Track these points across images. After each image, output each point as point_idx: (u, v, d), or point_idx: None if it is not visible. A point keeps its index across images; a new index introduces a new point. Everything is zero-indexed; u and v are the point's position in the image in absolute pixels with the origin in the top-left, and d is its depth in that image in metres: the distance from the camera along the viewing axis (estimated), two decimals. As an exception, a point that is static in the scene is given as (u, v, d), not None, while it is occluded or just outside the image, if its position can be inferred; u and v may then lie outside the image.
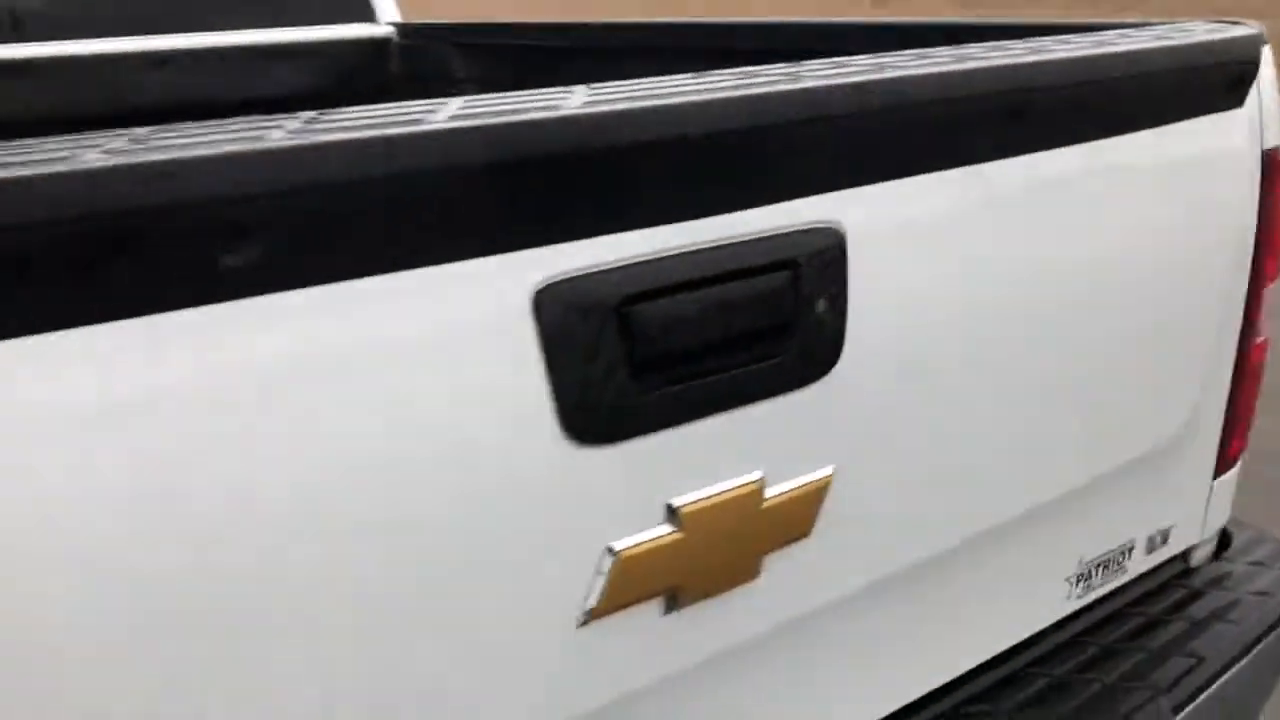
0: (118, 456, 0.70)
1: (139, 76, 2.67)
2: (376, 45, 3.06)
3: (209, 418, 0.74)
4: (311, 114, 0.86)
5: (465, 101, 0.90)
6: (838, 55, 1.12)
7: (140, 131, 0.80)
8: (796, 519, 1.04)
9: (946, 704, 1.27)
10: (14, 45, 2.53)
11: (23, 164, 0.67)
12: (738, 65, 1.07)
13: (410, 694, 0.86)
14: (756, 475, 1.00)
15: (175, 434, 0.72)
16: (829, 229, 1.00)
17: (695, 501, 0.96)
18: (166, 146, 0.72)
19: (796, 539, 1.05)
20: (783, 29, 2.64)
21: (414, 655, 0.86)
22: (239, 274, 0.72)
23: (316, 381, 0.78)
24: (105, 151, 0.70)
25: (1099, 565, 1.42)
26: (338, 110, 0.87)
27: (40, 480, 0.67)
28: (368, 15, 3.10)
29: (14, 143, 0.75)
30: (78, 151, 0.70)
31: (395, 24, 3.10)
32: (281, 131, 0.76)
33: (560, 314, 0.86)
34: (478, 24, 3.23)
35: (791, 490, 1.03)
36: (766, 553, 1.03)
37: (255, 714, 0.78)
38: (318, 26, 3.01)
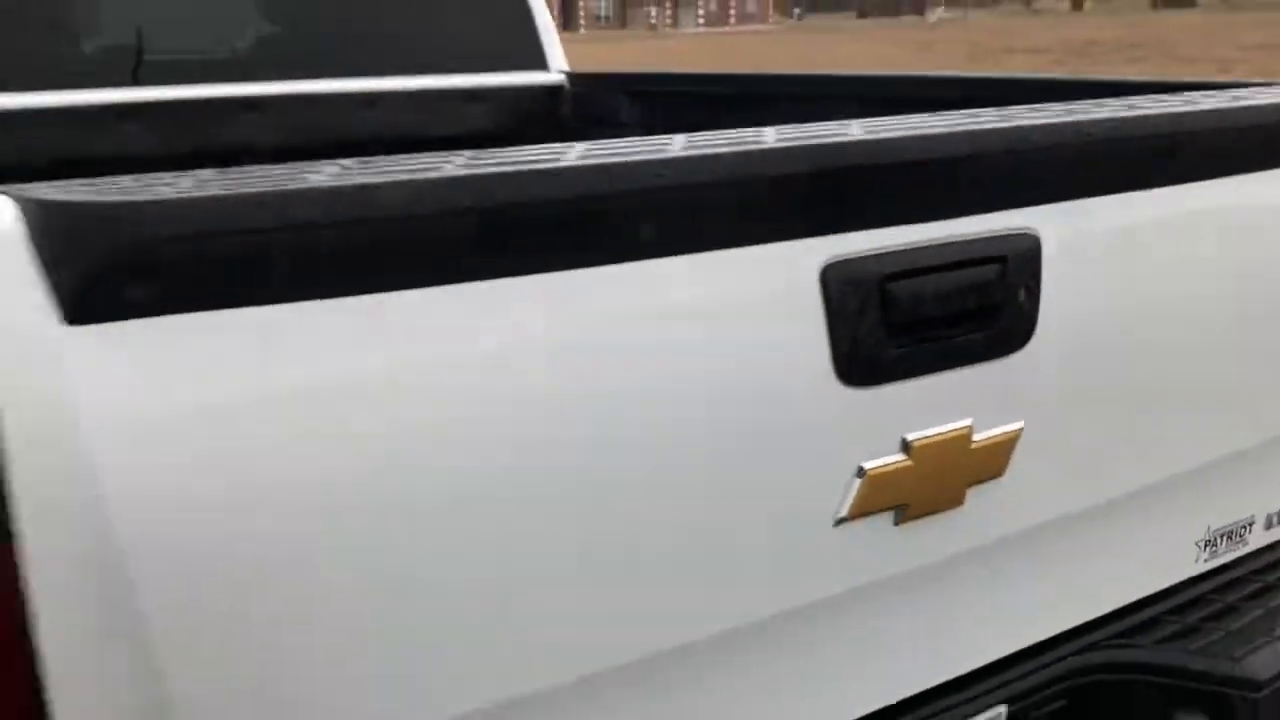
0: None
1: (351, 114, 3.03)
2: (551, 91, 3.41)
3: (602, 355, 1.06)
4: (701, 135, 1.19)
5: (776, 131, 1.22)
6: (983, 103, 1.43)
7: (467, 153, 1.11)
8: (994, 461, 1.34)
9: (1098, 635, 1.55)
10: (247, 84, 2.93)
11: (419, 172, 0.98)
12: (877, 113, 1.38)
13: (722, 565, 1.17)
14: (967, 422, 1.30)
15: (562, 369, 1.04)
16: (1029, 234, 1.30)
17: (923, 438, 1.26)
18: (605, 157, 1.05)
19: (993, 477, 1.34)
20: (916, 81, 2.95)
21: (727, 537, 1.17)
22: (647, 246, 1.04)
23: (676, 326, 1.10)
24: (462, 163, 1.03)
25: (1224, 534, 1.68)
26: (714, 133, 1.20)
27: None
28: (542, 64, 3.46)
29: (409, 156, 1.08)
30: (440, 163, 1.02)
31: (566, 73, 3.46)
32: (675, 147, 1.09)
33: (838, 287, 1.17)
34: (643, 73, 3.58)
35: (992, 437, 1.32)
36: (970, 485, 1.33)
37: (633, 565, 1.10)
38: (500, 73, 3.37)
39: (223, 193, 0.86)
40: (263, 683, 0.92)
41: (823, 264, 1.17)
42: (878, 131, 1.20)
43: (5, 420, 0.81)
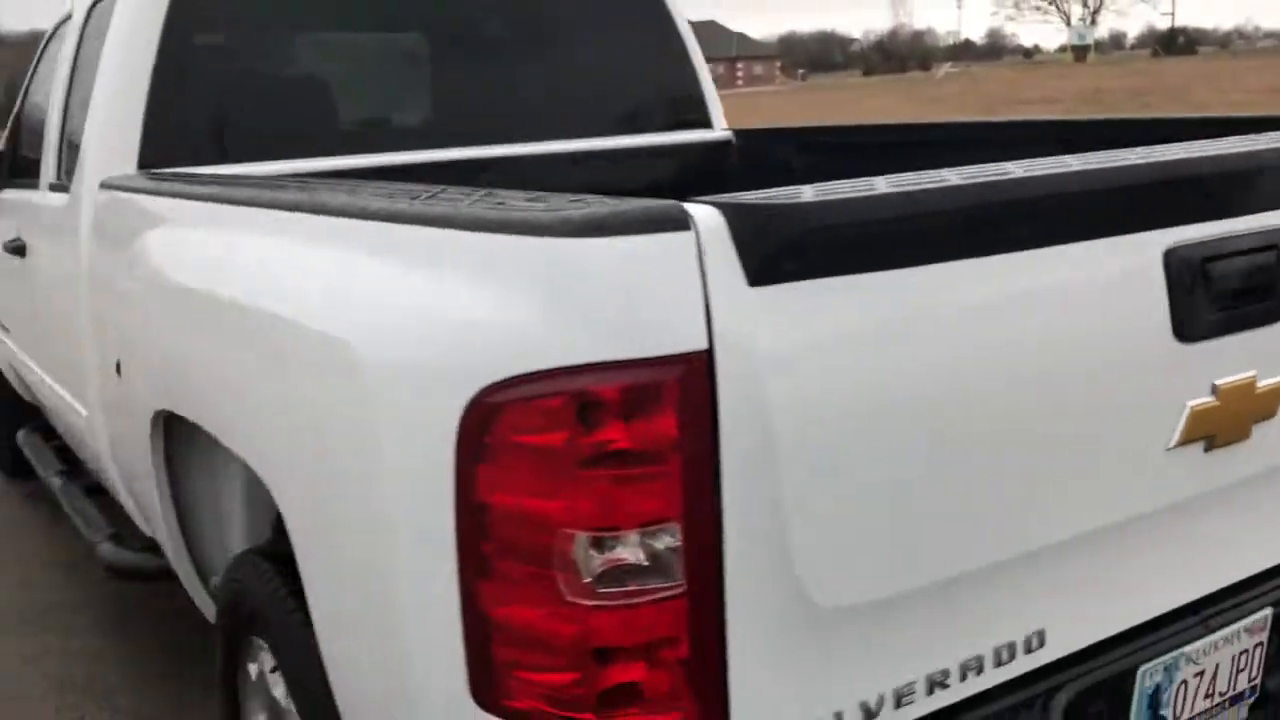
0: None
1: (564, 170, 3.46)
2: (721, 145, 3.85)
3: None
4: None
5: (1093, 157, 1.64)
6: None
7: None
8: (1270, 404, 1.73)
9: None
10: (477, 147, 3.37)
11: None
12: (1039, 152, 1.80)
13: (1090, 478, 1.57)
14: (1252, 373, 1.70)
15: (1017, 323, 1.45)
16: (1293, 228, 1.71)
17: (1227, 383, 1.66)
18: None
19: (1267, 417, 1.74)
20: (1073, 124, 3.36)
21: (1096, 456, 1.57)
22: (1051, 236, 1.45)
23: (1070, 294, 1.51)
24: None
25: None
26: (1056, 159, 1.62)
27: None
28: (708, 124, 3.90)
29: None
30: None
31: (733, 130, 3.90)
32: (1071, 164, 1.51)
33: (1176, 266, 1.58)
34: (797, 127, 4.02)
35: (1270, 385, 1.72)
36: (1255, 423, 1.72)
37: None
38: (678, 132, 3.81)
39: (834, 198, 1.28)
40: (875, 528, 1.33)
41: (1165, 249, 1.57)
42: (1194, 152, 1.61)
43: (718, 351, 1.22)
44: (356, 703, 1.66)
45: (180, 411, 2.22)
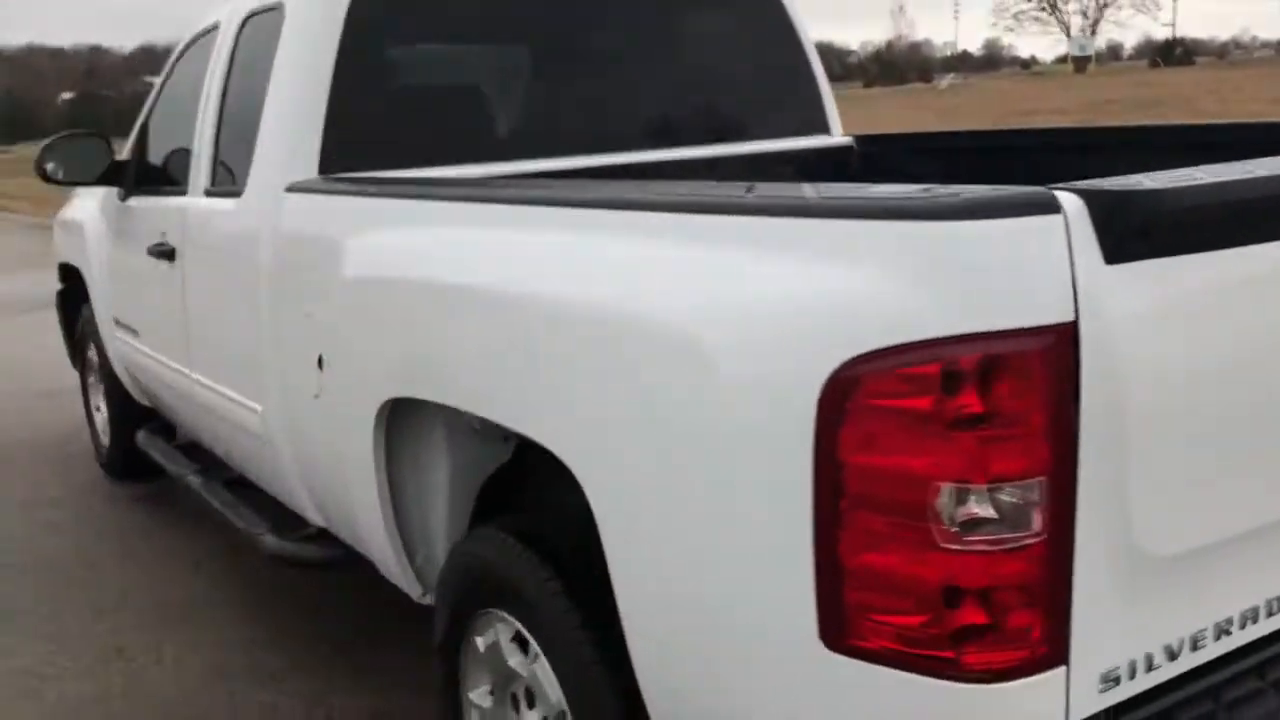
0: None
1: (703, 175, 3.61)
2: (842, 151, 4.00)
3: None
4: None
5: None
6: None
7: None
8: None
9: None
10: (626, 154, 3.52)
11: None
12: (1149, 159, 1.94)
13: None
14: None
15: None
16: None
17: None
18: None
19: None
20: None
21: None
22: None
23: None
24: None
25: None
26: None
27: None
28: (828, 130, 4.06)
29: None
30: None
31: (853, 135, 4.05)
32: None
33: None
34: (914, 133, 4.17)
35: None
36: None
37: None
38: (803, 138, 3.97)
39: (1178, 185, 1.44)
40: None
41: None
42: None
43: (1081, 322, 1.37)
44: (672, 658, 1.80)
45: (425, 396, 2.36)
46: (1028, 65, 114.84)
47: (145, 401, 4.94)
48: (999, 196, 1.37)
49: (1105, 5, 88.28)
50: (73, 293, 5.60)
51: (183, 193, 3.88)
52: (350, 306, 2.66)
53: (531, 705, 2.37)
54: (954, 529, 1.41)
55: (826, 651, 1.54)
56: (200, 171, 3.76)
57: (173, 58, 4.48)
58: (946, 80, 69.51)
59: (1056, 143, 3.87)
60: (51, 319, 6.19)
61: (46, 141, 4.42)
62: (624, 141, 3.58)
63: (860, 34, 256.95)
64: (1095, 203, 1.38)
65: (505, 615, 2.35)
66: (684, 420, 1.66)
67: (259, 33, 3.58)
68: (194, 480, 4.19)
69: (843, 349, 1.45)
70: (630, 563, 1.84)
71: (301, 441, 3.10)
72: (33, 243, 16.83)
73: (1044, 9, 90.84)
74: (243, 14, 3.71)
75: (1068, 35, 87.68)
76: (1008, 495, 1.40)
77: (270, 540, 3.53)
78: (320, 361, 2.85)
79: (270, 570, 4.25)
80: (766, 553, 1.57)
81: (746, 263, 1.61)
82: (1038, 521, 1.41)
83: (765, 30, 3.93)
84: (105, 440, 5.49)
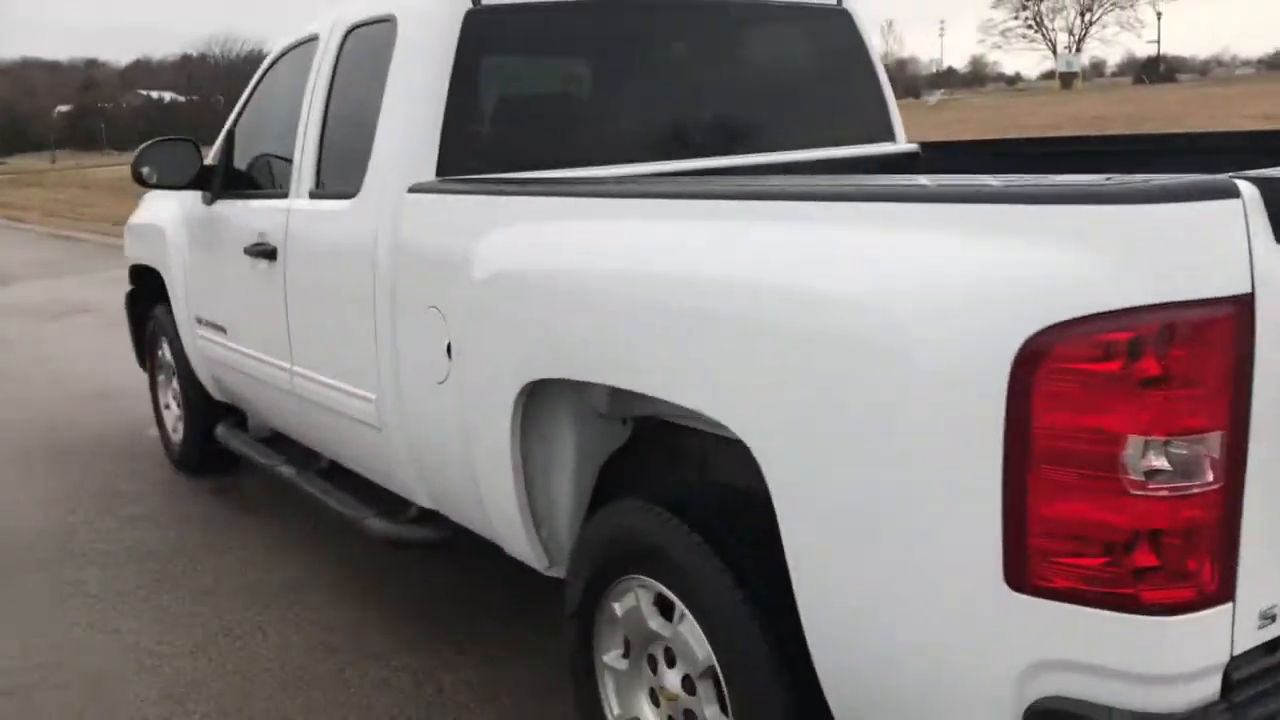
0: None
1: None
2: (910, 157, 4.21)
3: None
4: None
5: None
6: None
7: None
8: None
9: None
10: (718, 158, 3.72)
11: None
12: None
13: None
14: None
15: None
16: None
17: None
18: None
19: None
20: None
21: None
22: None
23: None
24: None
25: None
26: None
27: None
28: (893, 137, 4.27)
29: None
30: None
31: (920, 142, 4.26)
32: None
33: None
34: (978, 140, 4.39)
35: None
36: None
37: None
38: (873, 145, 4.17)
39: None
40: None
41: None
42: None
43: (1257, 293, 1.58)
44: (847, 610, 1.98)
45: (581, 378, 2.55)
46: (1013, 82, 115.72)
47: (223, 398, 5.12)
48: (1187, 183, 1.57)
49: (1091, 23, 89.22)
50: (143, 294, 5.78)
51: (283, 195, 4.06)
52: (490, 297, 2.84)
53: (671, 664, 2.56)
54: (1139, 478, 1.61)
55: (1011, 592, 1.73)
56: (304, 175, 3.95)
57: (262, 69, 4.66)
58: (935, 96, 70.07)
59: (1115, 149, 4.09)
60: (82, 323, 6.34)
61: (142, 146, 4.60)
62: (711, 147, 3.79)
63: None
64: (1269, 190, 1.59)
65: (647, 580, 2.54)
66: (872, 387, 1.85)
67: (365, 44, 3.78)
68: (286, 470, 4.37)
69: (1037, 320, 1.64)
70: (806, 523, 2.02)
71: (421, 425, 3.28)
72: (49, 252, 16.99)
73: (1030, 26, 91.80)
74: (345, 27, 3.90)
75: (1054, 52, 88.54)
76: (1187, 448, 1.60)
77: (378, 524, 3.71)
78: (449, 350, 3.04)
79: (361, 553, 4.45)
80: (952, 506, 1.76)
81: (934, 246, 1.80)
82: (1213, 471, 1.61)
83: (841, 47, 4.14)
84: (177, 437, 5.66)
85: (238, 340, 4.55)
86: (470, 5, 3.38)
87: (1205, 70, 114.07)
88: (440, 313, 3.08)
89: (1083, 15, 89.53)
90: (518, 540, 3.00)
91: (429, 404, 3.21)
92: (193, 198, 4.87)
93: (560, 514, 2.96)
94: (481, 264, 2.88)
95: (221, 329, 4.71)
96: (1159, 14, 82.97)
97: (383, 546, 3.85)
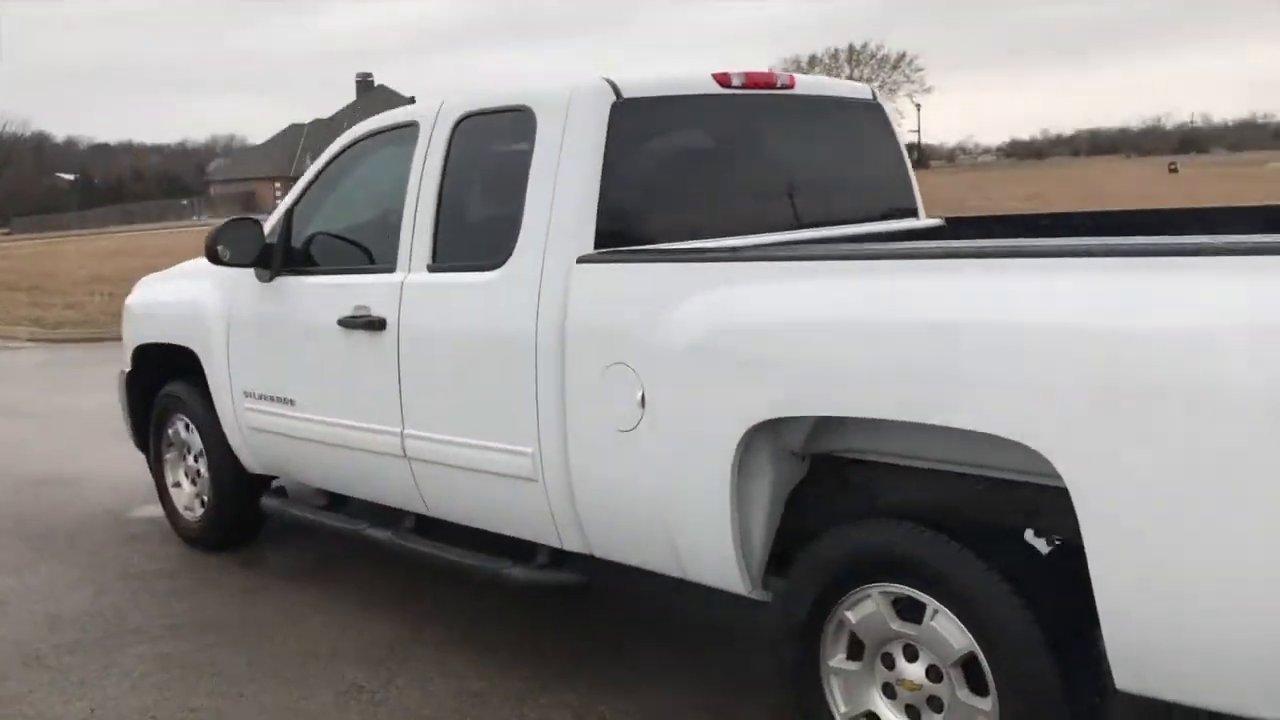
0: None
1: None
2: (937, 230, 4.82)
3: None
4: None
5: None
6: None
7: None
8: None
9: None
10: (795, 230, 4.22)
11: None
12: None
13: None
14: None
15: None
16: None
17: None
18: None
19: None
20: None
21: None
22: None
23: None
24: None
25: None
26: None
27: None
28: (916, 213, 4.90)
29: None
30: None
31: (945, 217, 4.89)
32: None
33: None
34: (996, 216, 5.04)
35: None
36: None
37: None
38: (903, 220, 4.77)
39: None
40: None
41: None
42: None
43: None
44: (1146, 585, 2.47)
45: (829, 413, 2.98)
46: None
47: (266, 470, 5.23)
48: None
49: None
50: (145, 375, 5.81)
51: (388, 269, 4.32)
52: (710, 351, 3.22)
53: (912, 659, 2.99)
54: None
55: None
56: (418, 250, 4.22)
57: (330, 155, 4.88)
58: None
59: (1110, 222, 4.79)
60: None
61: (218, 225, 4.76)
62: (791, 221, 4.30)
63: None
64: None
65: (891, 587, 2.97)
66: (1193, 413, 2.35)
67: (487, 131, 4.14)
68: (379, 533, 4.57)
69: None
70: (1113, 525, 2.49)
71: (592, 471, 3.60)
72: None
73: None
74: (457, 115, 4.22)
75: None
76: None
77: (518, 572, 3.99)
78: (642, 400, 3.41)
79: (468, 602, 4.66)
80: (1265, 508, 2.29)
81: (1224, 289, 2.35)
82: None
83: (875, 130, 4.75)
84: (191, 514, 5.67)
85: (313, 411, 4.71)
86: (615, 98, 3.80)
87: (953, 157, 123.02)
88: (630, 368, 3.44)
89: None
90: (724, 569, 3.35)
91: (609, 451, 3.54)
92: (236, 275, 5.01)
93: (756, 542, 3.35)
94: (693, 322, 3.27)
95: (287, 401, 4.86)
96: (918, 105, 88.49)
97: (528, 593, 4.10)
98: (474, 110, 4.22)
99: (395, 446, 4.32)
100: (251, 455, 5.24)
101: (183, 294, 5.50)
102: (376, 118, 4.78)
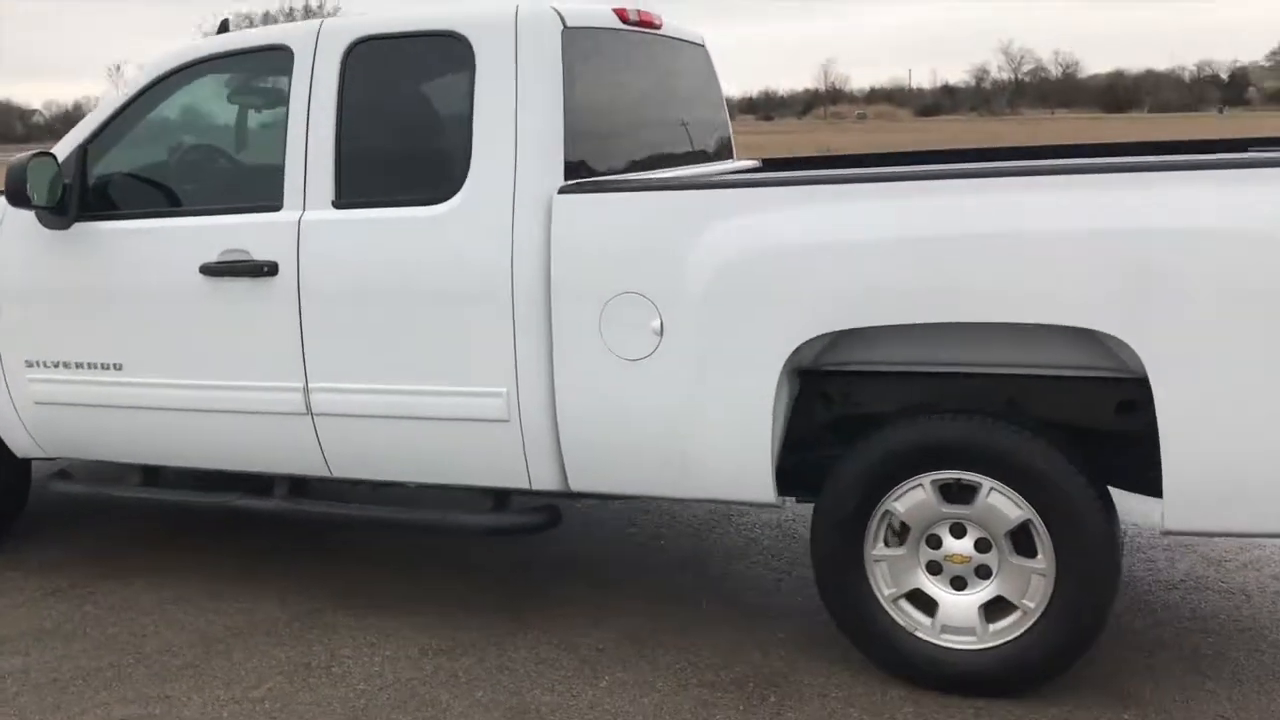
0: None
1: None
2: (756, 170, 5.20)
3: None
4: None
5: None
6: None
7: None
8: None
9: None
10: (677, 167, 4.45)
11: None
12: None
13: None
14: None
15: None
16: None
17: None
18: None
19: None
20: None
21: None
22: None
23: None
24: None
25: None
26: None
27: None
28: (731, 155, 5.27)
29: None
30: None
31: (762, 159, 5.27)
32: None
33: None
34: (819, 155, 5.47)
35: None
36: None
37: None
38: (720, 162, 5.09)
39: None
40: None
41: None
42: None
43: None
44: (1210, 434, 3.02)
45: (900, 321, 3.23)
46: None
47: (48, 452, 4.47)
48: None
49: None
50: None
51: (270, 208, 3.90)
52: (749, 273, 3.34)
53: (959, 536, 3.35)
54: None
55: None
56: (315, 187, 3.85)
57: (146, 81, 4.23)
58: (858, 112, 70.18)
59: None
60: None
61: (22, 162, 3.97)
62: (689, 156, 4.50)
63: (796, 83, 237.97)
64: None
65: (942, 474, 3.31)
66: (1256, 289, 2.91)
67: (399, 56, 3.87)
68: (257, 503, 4.15)
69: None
70: (1185, 395, 3.01)
71: (589, 403, 3.57)
72: None
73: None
74: (347, 40, 3.88)
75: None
76: None
77: (485, 519, 3.86)
78: (660, 328, 3.45)
79: (348, 566, 4.34)
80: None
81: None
82: None
83: (707, 76, 5.01)
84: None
85: (153, 374, 4.13)
86: (562, 26, 3.74)
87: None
88: (643, 296, 3.46)
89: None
90: (756, 481, 3.45)
91: (610, 381, 3.53)
92: (25, 223, 4.23)
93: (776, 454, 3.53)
94: (725, 247, 3.36)
95: (109, 367, 4.20)
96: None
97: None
98: (371, 34, 3.91)
99: (294, 404, 3.94)
100: (32, 435, 4.45)
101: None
102: (214, 39, 4.23)
